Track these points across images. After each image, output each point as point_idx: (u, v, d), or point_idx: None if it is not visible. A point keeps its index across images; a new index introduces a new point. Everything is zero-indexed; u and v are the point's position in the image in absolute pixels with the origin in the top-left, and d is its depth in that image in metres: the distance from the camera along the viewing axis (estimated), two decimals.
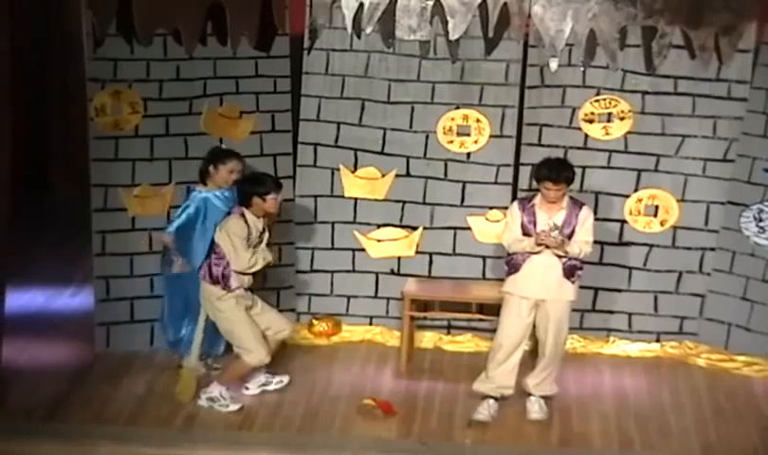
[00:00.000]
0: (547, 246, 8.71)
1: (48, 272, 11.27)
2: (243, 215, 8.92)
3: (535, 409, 8.94)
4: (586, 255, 8.82)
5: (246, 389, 9.29)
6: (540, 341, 8.96)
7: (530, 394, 8.99)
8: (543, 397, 8.98)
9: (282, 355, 9.57)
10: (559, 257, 8.74)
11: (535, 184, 9.04)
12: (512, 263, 8.91)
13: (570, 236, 8.74)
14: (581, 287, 9.87)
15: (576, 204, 8.84)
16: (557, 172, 8.69)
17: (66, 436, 8.60)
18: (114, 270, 9.92)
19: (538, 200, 8.82)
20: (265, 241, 9.07)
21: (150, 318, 9.99)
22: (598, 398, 9.34)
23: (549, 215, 8.75)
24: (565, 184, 8.72)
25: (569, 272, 8.79)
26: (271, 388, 9.33)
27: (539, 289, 8.81)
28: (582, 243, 8.76)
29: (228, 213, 9.02)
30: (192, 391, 9.12)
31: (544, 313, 8.85)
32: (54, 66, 11.83)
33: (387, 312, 10.22)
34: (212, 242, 9.02)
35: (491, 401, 8.97)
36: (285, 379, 9.41)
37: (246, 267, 8.90)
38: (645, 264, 10.06)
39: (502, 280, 9.10)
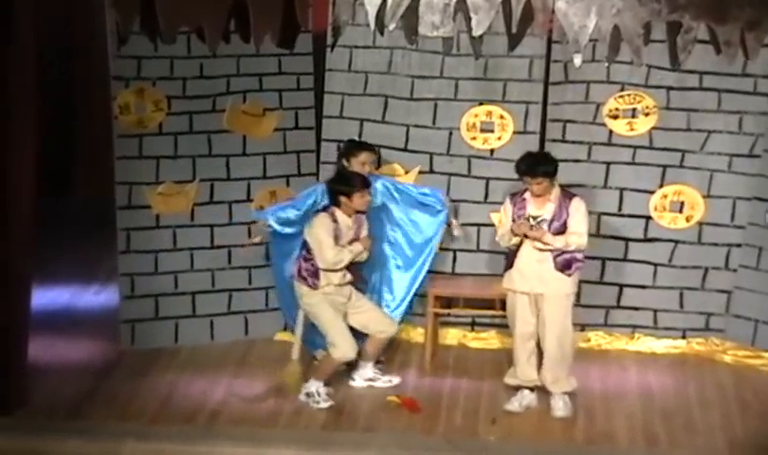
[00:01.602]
0: (527, 237, 8.70)
1: (73, 270, 11.28)
2: (332, 214, 8.97)
3: (559, 406, 8.91)
4: (579, 247, 8.76)
5: (353, 380, 9.34)
6: (541, 336, 8.91)
7: (552, 392, 8.96)
8: (566, 393, 8.94)
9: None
10: (550, 251, 8.70)
11: None
12: (508, 259, 8.95)
13: (562, 229, 8.71)
14: (607, 284, 10.02)
15: (567, 196, 8.82)
16: (533, 166, 8.71)
17: (91, 433, 8.61)
18: (138, 267, 9.95)
19: (528, 194, 8.82)
20: (363, 235, 9.11)
21: (174, 314, 10.03)
22: (623, 395, 9.29)
23: (537, 208, 8.74)
24: (544, 178, 8.68)
25: (564, 265, 8.75)
26: (378, 384, 9.35)
27: (535, 283, 8.81)
28: (573, 234, 8.72)
29: (322, 211, 9.07)
30: (299, 382, 9.19)
31: (542, 307, 8.83)
32: (78, 65, 11.84)
33: (411, 309, 10.21)
34: (304, 240, 9.08)
35: (526, 392, 8.98)
36: (395, 380, 9.41)
37: (330, 264, 8.94)
38: (670, 261, 10.00)
39: None
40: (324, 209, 9.09)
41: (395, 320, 9.47)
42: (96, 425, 8.74)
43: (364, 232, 9.15)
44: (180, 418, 8.85)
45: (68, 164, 12.22)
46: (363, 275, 9.41)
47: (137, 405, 9.02)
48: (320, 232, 8.93)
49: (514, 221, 8.79)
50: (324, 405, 9.00)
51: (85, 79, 11.64)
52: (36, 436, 8.54)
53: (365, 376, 9.37)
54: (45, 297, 10.40)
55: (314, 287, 9.00)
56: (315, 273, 8.99)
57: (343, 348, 9.03)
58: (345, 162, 9.44)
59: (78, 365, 9.64)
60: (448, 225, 9.64)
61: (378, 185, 9.49)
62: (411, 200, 9.62)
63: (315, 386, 9.05)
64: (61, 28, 11.36)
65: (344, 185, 9.01)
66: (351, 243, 9.05)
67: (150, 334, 9.99)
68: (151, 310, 10.00)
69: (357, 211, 9.07)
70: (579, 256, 8.80)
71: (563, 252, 8.73)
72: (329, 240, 8.92)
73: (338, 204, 8.99)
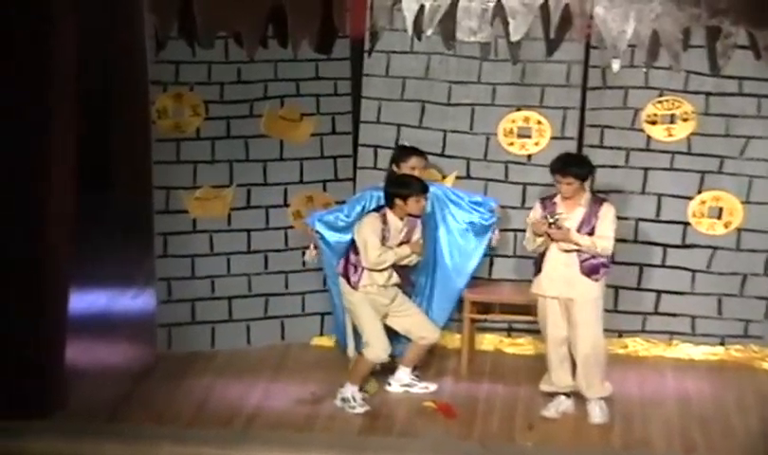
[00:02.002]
0: (551, 239, 8.67)
1: (111, 274, 11.38)
2: (384, 215, 9.00)
3: (596, 413, 8.85)
4: (604, 250, 8.68)
5: (389, 385, 9.35)
6: (572, 341, 8.85)
7: (587, 398, 8.91)
8: (602, 399, 8.87)
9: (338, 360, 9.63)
10: (577, 252, 8.66)
11: None
12: (536, 264, 8.93)
13: (590, 234, 8.66)
14: (645, 290, 9.97)
15: (598, 201, 8.77)
16: (565, 165, 8.68)
17: (128, 436, 8.64)
18: (175, 272, 9.98)
19: (559, 198, 8.78)
20: (414, 239, 9.10)
21: (211, 319, 10.06)
22: (661, 401, 9.24)
23: (567, 212, 8.71)
24: (575, 179, 8.63)
25: (590, 270, 8.70)
26: (414, 390, 9.33)
27: (563, 288, 8.76)
28: (599, 238, 8.66)
29: (373, 211, 9.11)
30: (374, 382, 9.28)
31: (572, 312, 8.78)
32: (117, 70, 11.92)
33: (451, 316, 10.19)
34: (352, 238, 9.13)
35: (562, 397, 8.94)
36: (432, 387, 9.39)
37: (373, 264, 8.96)
38: (708, 267, 9.95)
39: None
40: (376, 209, 9.10)
41: (438, 328, 9.42)
42: (133, 428, 8.77)
43: (416, 236, 9.13)
44: (217, 422, 8.87)
45: (107, 168, 12.31)
46: (412, 279, 9.39)
47: (174, 408, 9.04)
48: (366, 232, 8.95)
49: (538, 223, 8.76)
50: (360, 410, 9.00)
51: (124, 83, 11.72)
52: (74, 439, 8.58)
53: (402, 382, 9.36)
54: (83, 300, 10.52)
55: (355, 287, 9.02)
56: (359, 272, 9.02)
57: (377, 349, 9.03)
58: (395, 167, 9.44)
59: (115, 368, 9.69)
60: (491, 237, 9.61)
61: (433, 191, 9.45)
62: (462, 208, 9.59)
63: (350, 391, 9.05)
64: (101, 35, 11.44)
65: (402, 188, 9.01)
66: (399, 246, 9.06)
67: (186, 338, 10.02)
68: (187, 314, 10.03)
69: (411, 215, 9.06)
70: (606, 262, 8.75)
71: (589, 257, 8.68)
72: (375, 240, 8.94)
73: (392, 206, 9.00)
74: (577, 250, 8.68)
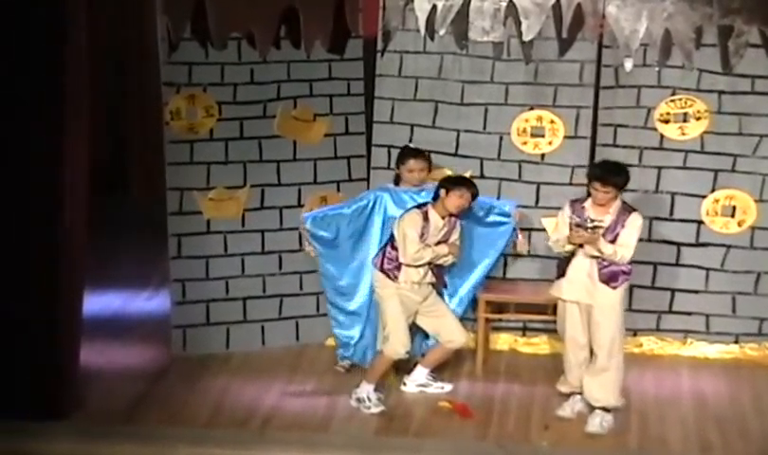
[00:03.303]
0: (580, 245, 8.65)
1: (125, 275, 11.38)
2: (425, 212, 9.02)
3: (594, 423, 8.76)
4: (623, 259, 8.61)
5: (404, 385, 9.36)
6: (594, 345, 8.81)
7: (592, 405, 8.86)
8: (606, 410, 8.77)
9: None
10: (595, 257, 8.62)
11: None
12: (559, 266, 8.92)
13: (612, 242, 8.59)
14: (659, 288, 9.97)
15: (627, 210, 8.69)
16: (606, 173, 8.62)
17: (144, 438, 8.65)
18: (190, 273, 9.96)
19: (589, 202, 8.75)
20: (452, 240, 9.10)
21: (226, 320, 10.06)
22: (677, 401, 9.24)
23: (596, 217, 8.66)
24: (613, 188, 8.59)
25: (609, 277, 8.65)
26: (429, 390, 9.33)
27: (582, 293, 8.73)
28: (620, 246, 8.59)
29: (416, 208, 9.14)
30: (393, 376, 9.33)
31: (591, 318, 8.74)
32: (131, 70, 11.93)
33: (462, 314, 10.19)
34: (391, 232, 9.16)
35: (577, 397, 8.92)
36: (447, 387, 9.38)
37: (410, 260, 8.97)
38: (722, 265, 9.95)
39: None
40: (418, 206, 9.12)
41: (467, 333, 9.40)
42: (149, 429, 8.77)
43: (454, 236, 9.12)
44: (232, 423, 8.87)
45: (121, 169, 12.32)
46: (445, 279, 9.36)
47: (190, 410, 9.04)
48: (407, 226, 8.98)
49: (572, 229, 8.72)
50: (375, 410, 9.00)
51: (138, 84, 11.73)
52: (90, 440, 8.59)
53: (418, 382, 9.36)
54: (98, 302, 10.50)
55: (394, 280, 9.04)
56: (396, 266, 9.03)
57: (396, 346, 9.04)
58: (397, 170, 9.47)
59: (130, 370, 9.68)
60: (515, 241, 9.62)
61: None
62: (477, 211, 9.53)
63: (366, 391, 9.06)
64: (113, 35, 11.47)
65: (447, 182, 9.05)
66: (438, 245, 9.06)
67: (201, 339, 10.01)
68: (202, 316, 10.02)
69: (451, 215, 9.06)
70: (626, 269, 8.69)
71: (608, 264, 8.64)
72: (414, 235, 8.96)
73: (436, 198, 9.02)
74: (598, 257, 8.66)
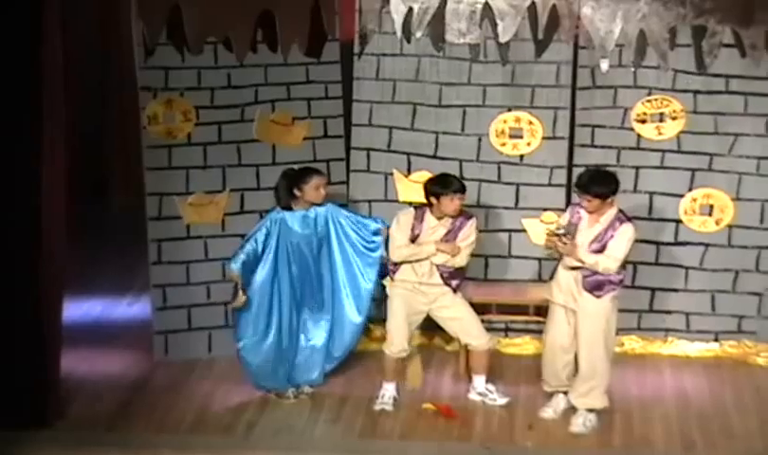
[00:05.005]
0: (552, 248, 8.68)
1: (106, 281, 11.33)
2: (422, 213, 9.08)
3: (577, 423, 8.83)
4: (606, 269, 8.56)
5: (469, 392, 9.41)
6: (578, 352, 8.85)
7: (575, 406, 8.90)
8: (590, 411, 8.84)
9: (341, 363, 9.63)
10: (576, 267, 8.62)
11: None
12: (554, 269, 8.94)
13: (601, 251, 8.58)
14: (639, 288, 10.02)
15: (620, 220, 8.65)
16: (588, 183, 8.62)
17: (128, 445, 8.66)
18: (170, 278, 9.93)
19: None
20: (460, 240, 9.06)
21: (207, 325, 10.03)
22: (659, 400, 9.31)
23: (589, 225, 8.68)
24: (595, 198, 8.57)
25: (593, 286, 8.64)
26: (487, 400, 9.25)
27: (569, 298, 8.75)
28: (607, 257, 8.55)
29: (415, 208, 9.20)
30: (421, 375, 9.38)
31: (577, 323, 8.77)
32: (108, 76, 11.86)
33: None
34: None
35: (560, 396, 8.97)
36: (501, 400, 9.23)
37: (391, 257, 9.07)
38: (701, 264, 10.02)
39: None
40: (418, 206, 9.19)
41: (486, 335, 9.32)
42: (133, 437, 8.78)
43: (461, 237, 9.08)
44: (217, 428, 8.88)
45: (100, 176, 12.23)
46: (453, 283, 9.18)
47: (174, 416, 9.04)
48: (394, 225, 9.09)
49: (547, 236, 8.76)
50: (378, 407, 9.11)
51: (116, 90, 11.66)
52: (73, 449, 8.61)
53: (477, 390, 9.33)
54: (78, 309, 10.49)
55: (392, 278, 9.13)
56: (395, 264, 9.11)
57: (392, 345, 9.15)
58: (298, 191, 9.13)
59: (113, 377, 9.65)
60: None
61: (324, 211, 9.29)
62: (345, 230, 9.39)
63: (384, 389, 9.20)
64: (90, 40, 11.40)
65: (436, 185, 9.03)
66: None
67: (183, 345, 9.98)
68: (184, 321, 9.99)
69: (450, 216, 9.06)
70: (615, 279, 8.65)
71: (593, 273, 8.62)
72: (397, 235, 9.04)
73: (429, 204, 9.04)
74: (579, 267, 8.65)
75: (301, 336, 9.43)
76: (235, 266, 9.05)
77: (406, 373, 9.42)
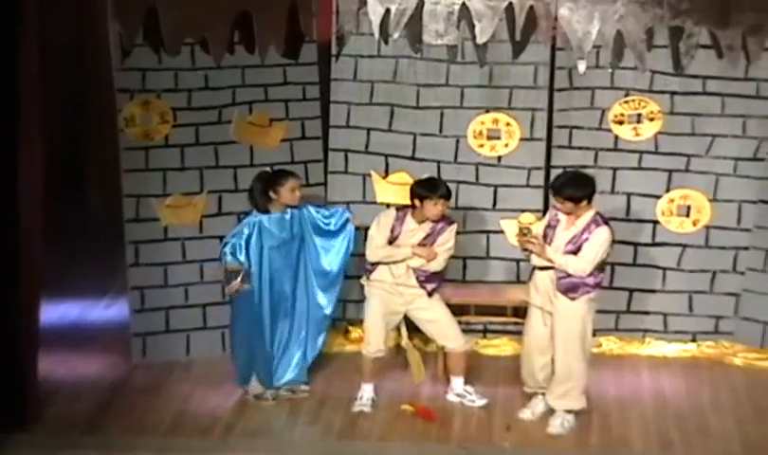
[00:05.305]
0: (527, 250, 8.71)
1: (83, 284, 11.26)
2: (403, 215, 9.07)
3: (555, 424, 8.85)
4: (576, 271, 8.55)
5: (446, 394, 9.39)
6: (554, 353, 8.85)
7: (553, 407, 8.91)
8: (568, 412, 8.86)
9: (319, 365, 9.66)
10: (547, 268, 8.64)
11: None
12: (532, 271, 8.94)
13: (574, 252, 8.58)
14: (617, 288, 10.04)
15: (596, 223, 8.63)
16: (561, 186, 8.64)
17: (106, 448, 8.63)
18: (148, 280, 9.90)
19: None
20: (439, 244, 9.04)
21: (186, 327, 10.01)
22: (637, 400, 9.33)
23: (566, 227, 8.69)
24: (567, 201, 8.57)
25: (567, 288, 8.63)
26: (465, 401, 9.26)
27: (545, 300, 8.76)
28: (578, 258, 8.55)
29: (397, 209, 9.17)
30: (422, 369, 9.37)
31: (554, 325, 8.78)
32: (85, 77, 11.80)
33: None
34: None
35: (539, 397, 8.98)
36: (480, 401, 9.24)
37: (369, 258, 9.10)
38: (678, 265, 10.06)
39: None
40: (400, 208, 9.19)
41: (463, 338, 9.31)
42: (111, 439, 8.74)
43: (440, 241, 9.06)
44: (196, 430, 8.86)
45: (77, 177, 12.17)
46: (428, 287, 9.17)
47: (152, 418, 9.01)
48: (374, 227, 9.10)
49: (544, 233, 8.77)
50: (357, 408, 9.11)
51: (93, 91, 11.60)
52: (51, 452, 8.54)
53: (456, 391, 9.33)
54: (55, 311, 10.45)
55: (368, 277, 9.14)
56: (372, 264, 9.12)
57: (368, 346, 9.17)
58: (273, 194, 9.16)
59: (90, 379, 9.62)
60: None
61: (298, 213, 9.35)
62: (316, 223, 9.46)
63: (362, 390, 9.21)
64: (67, 42, 11.35)
65: (422, 188, 9.01)
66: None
67: (161, 347, 9.95)
68: (161, 323, 9.96)
69: (431, 220, 9.03)
70: (590, 282, 8.63)
71: (566, 275, 8.62)
72: (376, 235, 9.06)
73: (413, 207, 9.03)
74: (550, 267, 8.66)
75: (279, 338, 9.43)
76: (237, 257, 9.11)
77: (409, 369, 9.41)
